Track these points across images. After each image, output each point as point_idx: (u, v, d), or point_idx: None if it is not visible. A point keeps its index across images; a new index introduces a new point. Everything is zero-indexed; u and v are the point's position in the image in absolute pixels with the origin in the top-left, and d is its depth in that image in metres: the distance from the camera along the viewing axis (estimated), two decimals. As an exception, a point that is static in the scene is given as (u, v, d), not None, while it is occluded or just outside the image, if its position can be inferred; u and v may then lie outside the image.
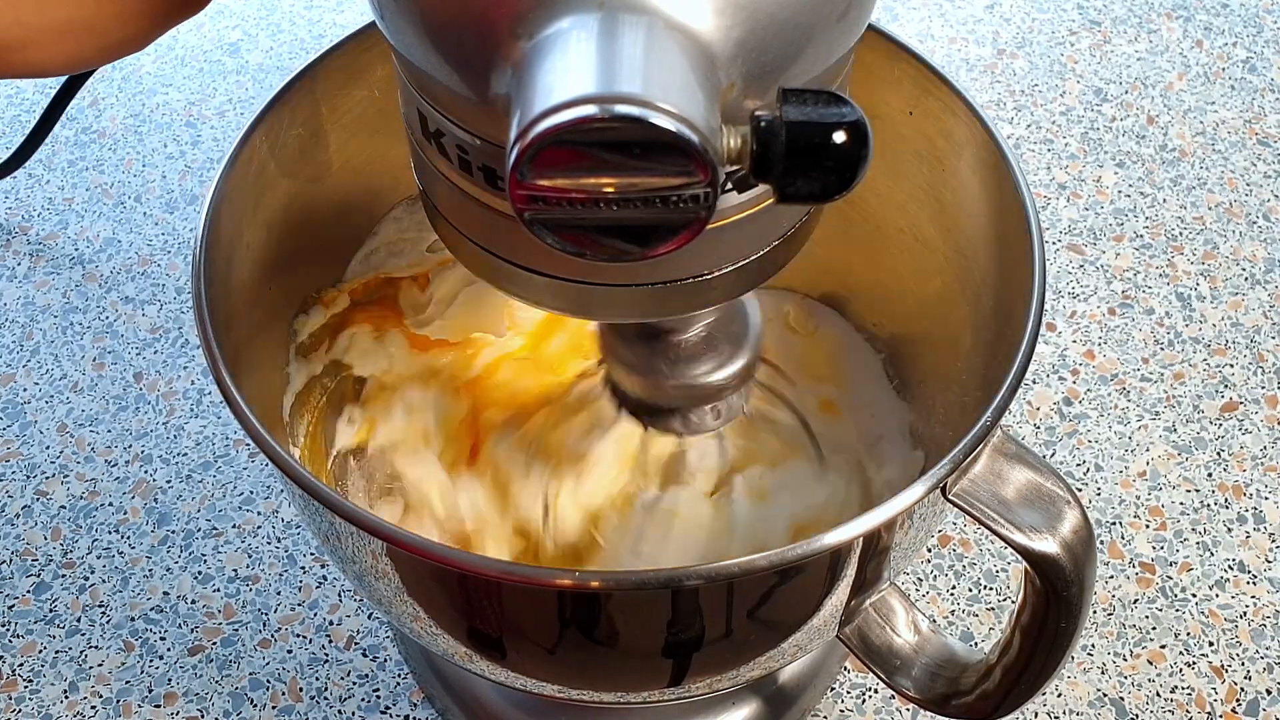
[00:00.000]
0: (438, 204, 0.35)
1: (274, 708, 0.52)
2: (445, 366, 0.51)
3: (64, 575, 0.56)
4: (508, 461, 0.48)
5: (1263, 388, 0.62)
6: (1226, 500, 0.58)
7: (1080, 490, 0.58)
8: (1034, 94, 0.76)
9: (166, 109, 0.75)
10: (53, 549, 0.56)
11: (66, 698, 0.52)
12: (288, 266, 0.45)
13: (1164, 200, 0.70)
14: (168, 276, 0.67)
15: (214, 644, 0.54)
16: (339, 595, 0.55)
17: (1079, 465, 0.59)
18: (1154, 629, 0.54)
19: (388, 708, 0.52)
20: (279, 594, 0.55)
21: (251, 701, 0.52)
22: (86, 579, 0.56)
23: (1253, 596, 0.55)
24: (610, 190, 0.26)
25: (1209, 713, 0.52)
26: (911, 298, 0.49)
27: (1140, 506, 0.58)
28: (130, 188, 0.71)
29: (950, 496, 0.35)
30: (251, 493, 0.58)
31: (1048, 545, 0.35)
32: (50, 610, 0.55)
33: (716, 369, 0.40)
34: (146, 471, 0.59)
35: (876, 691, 0.52)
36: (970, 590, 0.55)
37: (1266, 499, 0.58)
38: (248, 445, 0.60)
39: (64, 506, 0.58)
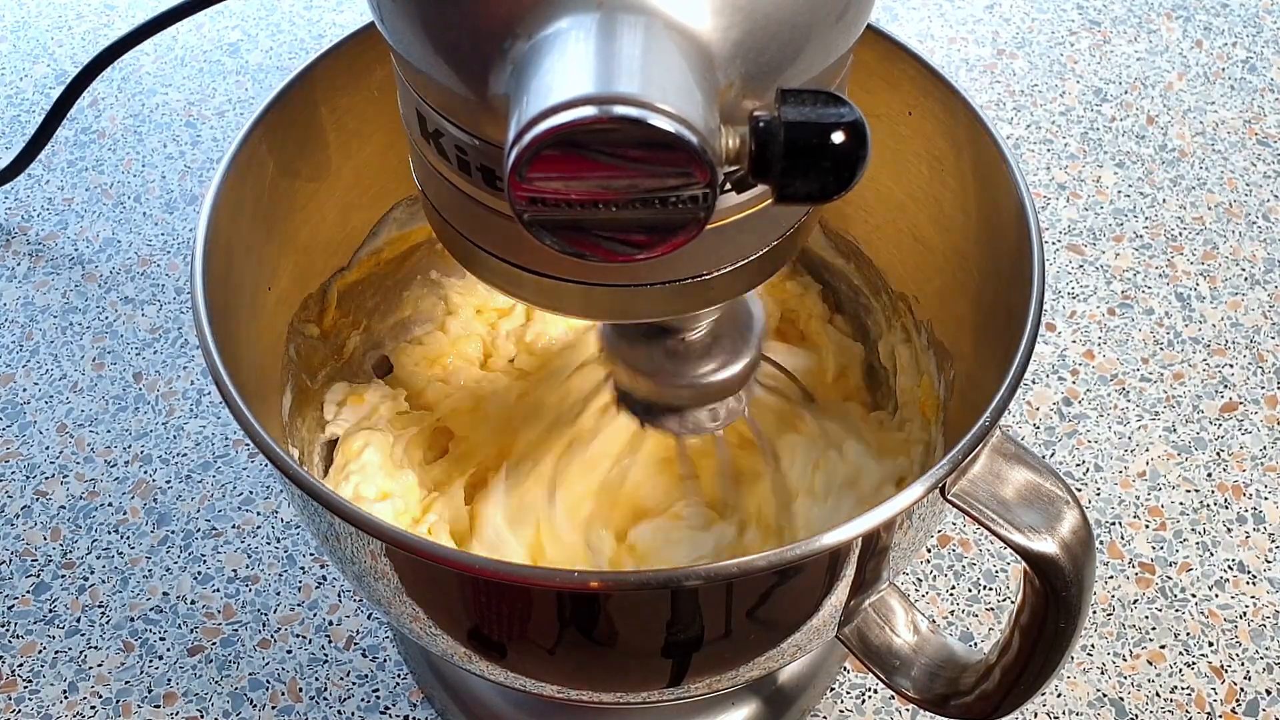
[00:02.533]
0: (437, 204, 0.35)
1: (274, 708, 0.52)
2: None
3: (64, 575, 0.56)
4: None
5: (1262, 388, 0.62)
6: (1226, 500, 0.58)
7: (1080, 490, 0.58)
8: (1034, 94, 0.76)
9: (166, 109, 0.75)
10: (52, 549, 0.56)
11: (66, 698, 0.52)
12: (287, 267, 0.45)
13: (1164, 200, 0.70)
14: (168, 276, 0.67)
15: (214, 644, 0.54)
16: (338, 595, 0.55)
17: (1078, 465, 0.59)
18: (1154, 629, 0.54)
19: (387, 708, 0.52)
20: (278, 594, 0.55)
21: (251, 702, 0.52)
22: (86, 579, 0.56)
23: (1252, 597, 0.55)
24: (609, 191, 0.26)
25: (1209, 713, 0.52)
26: (911, 297, 0.49)
27: (1140, 506, 0.58)
28: (130, 188, 0.71)
29: (949, 497, 0.35)
30: (251, 493, 0.58)
31: (1047, 546, 0.35)
32: (50, 610, 0.55)
33: (720, 368, 0.40)
34: (146, 471, 0.59)
35: (876, 691, 0.52)
36: (970, 590, 0.55)
37: (1266, 499, 0.58)
38: (247, 445, 0.60)
39: (64, 506, 0.58)
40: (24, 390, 0.62)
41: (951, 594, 0.55)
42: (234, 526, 0.57)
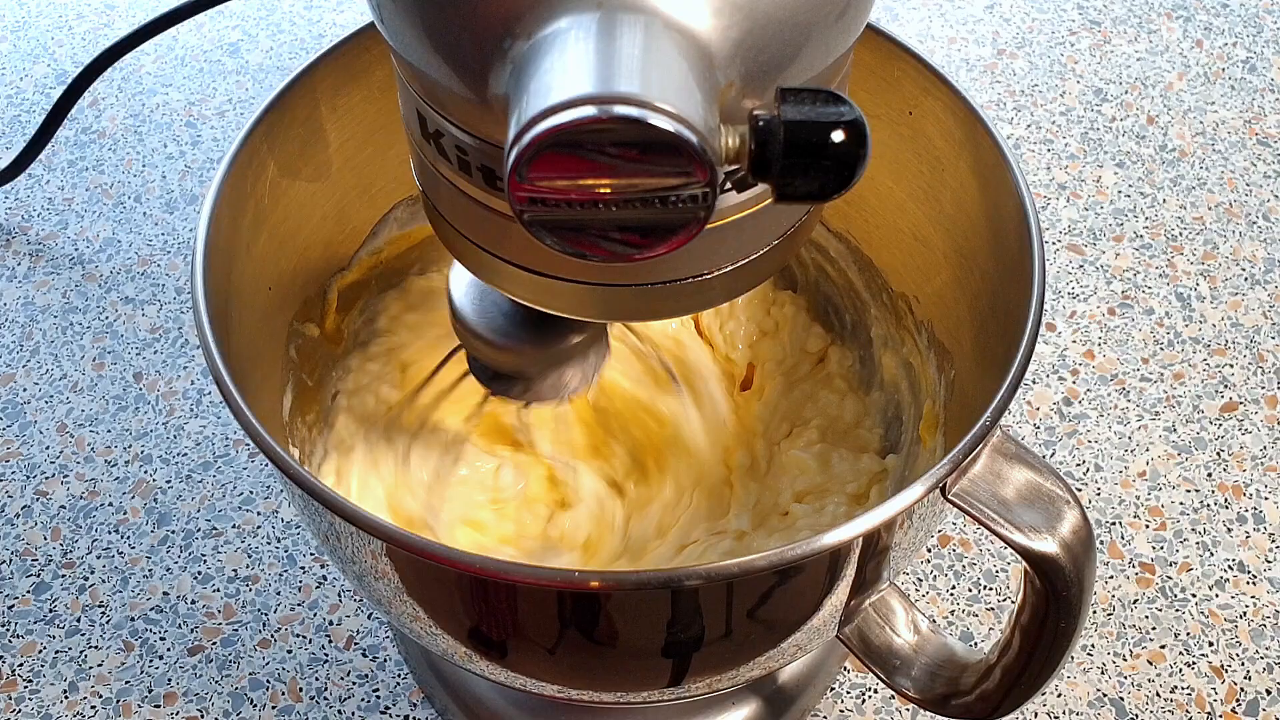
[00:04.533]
0: (437, 204, 0.35)
1: (274, 708, 0.52)
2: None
3: (64, 575, 0.56)
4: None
5: (1263, 388, 0.62)
6: (1226, 500, 0.58)
7: (1080, 490, 0.58)
8: (1034, 94, 0.76)
9: (166, 109, 0.75)
10: (53, 549, 0.56)
11: (66, 698, 0.52)
12: (287, 267, 0.46)
13: (1164, 200, 0.70)
14: (168, 276, 0.67)
15: (214, 644, 0.54)
16: (339, 595, 0.55)
17: (1079, 465, 0.59)
18: (1154, 629, 0.54)
19: (387, 708, 0.52)
20: (279, 594, 0.55)
21: (251, 701, 0.52)
22: (86, 579, 0.56)
23: (1253, 596, 0.55)
24: (609, 191, 0.26)
25: (1209, 713, 0.52)
26: (911, 297, 0.49)
27: (1140, 506, 0.58)
28: (130, 188, 0.71)
29: (950, 496, 0.35)
30: (251, 493, 0.58)
31: (1047, 545, 0.35)
32: (50, 610, 0.55)
33: (570, 333, 0.40)
34: (146, 471, 0.59)
35: (876, 691, 0.52)
36: (970, 590, 0.55)
37: (1266, 499, 0.58)
38: (248, 445, 0.60)
39: (64, 506, 0.58)
40: (24, 390, 0.62)
41: (951, 594, 0.55)
42: (234, 526, 0.57)
